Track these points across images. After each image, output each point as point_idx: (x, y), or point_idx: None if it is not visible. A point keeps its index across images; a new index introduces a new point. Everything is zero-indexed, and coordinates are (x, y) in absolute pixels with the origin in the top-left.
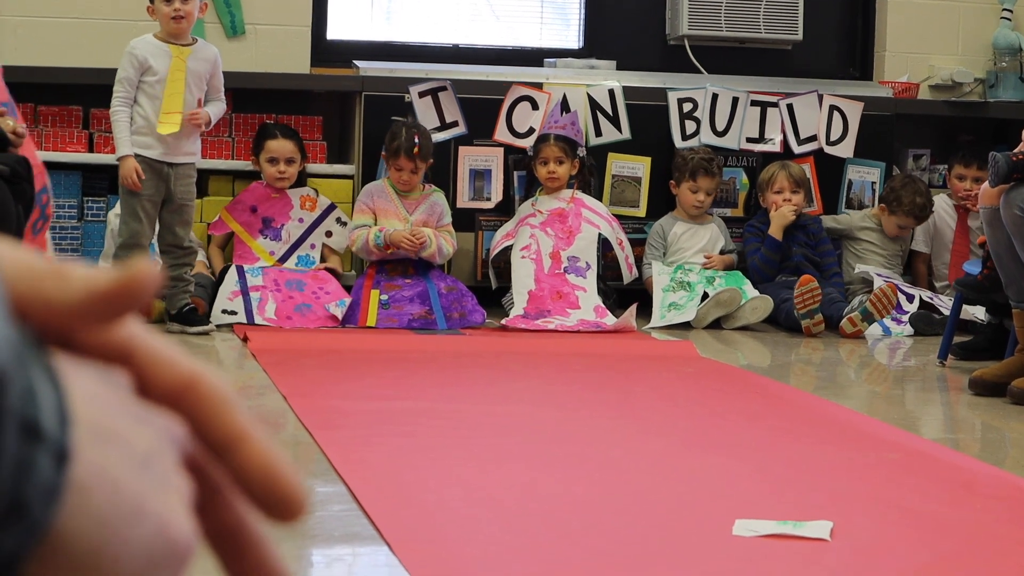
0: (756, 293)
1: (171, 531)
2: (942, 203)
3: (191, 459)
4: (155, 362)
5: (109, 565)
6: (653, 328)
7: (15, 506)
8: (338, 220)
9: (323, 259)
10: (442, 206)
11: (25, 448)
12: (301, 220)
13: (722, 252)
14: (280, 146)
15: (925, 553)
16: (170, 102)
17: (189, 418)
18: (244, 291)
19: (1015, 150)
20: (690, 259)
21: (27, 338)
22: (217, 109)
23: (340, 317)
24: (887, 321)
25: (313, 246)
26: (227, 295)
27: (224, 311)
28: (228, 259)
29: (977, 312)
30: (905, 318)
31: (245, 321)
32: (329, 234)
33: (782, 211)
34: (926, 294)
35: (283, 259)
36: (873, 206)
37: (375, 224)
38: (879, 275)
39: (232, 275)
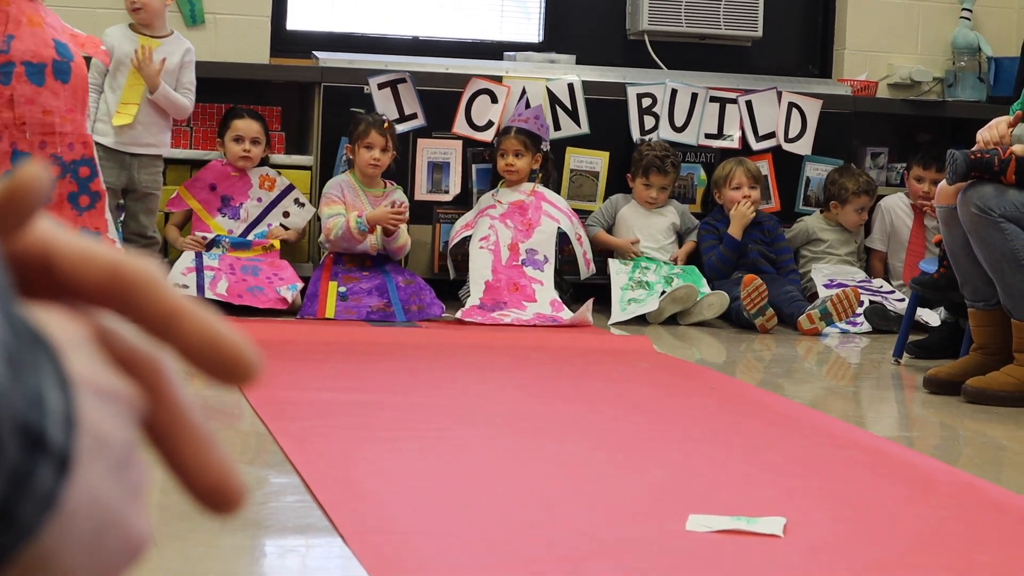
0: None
1: (132, 534)
2: (898, 201)
3: (124, 355)
4: (75, 260)
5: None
6: (613, 323)
7: (4, 514)
8: (296, 201)
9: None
10: (403, 202)
11: (26, 457)
12: (260, 200)
13: (685, 233)
14: (247, 125)
15: (878, 550)
16: (129, 93)
17: (121, 306)
18: (199, 268)
19: (972, 149)
20: (646, 245)
21: (38, 335)
22: (178, 99)
23: (290, 300)
24: (844, 324)
25: (270, 225)
26: (181, 270)
27: (176, 284)
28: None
29: (929, 317)
30: (860, 319)
31: (196, 294)
32: (287, 214)
33: (741, 210)
34: (886, 289)
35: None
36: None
37: (346, 212)
38: (831, 282)
39: (187, 256)
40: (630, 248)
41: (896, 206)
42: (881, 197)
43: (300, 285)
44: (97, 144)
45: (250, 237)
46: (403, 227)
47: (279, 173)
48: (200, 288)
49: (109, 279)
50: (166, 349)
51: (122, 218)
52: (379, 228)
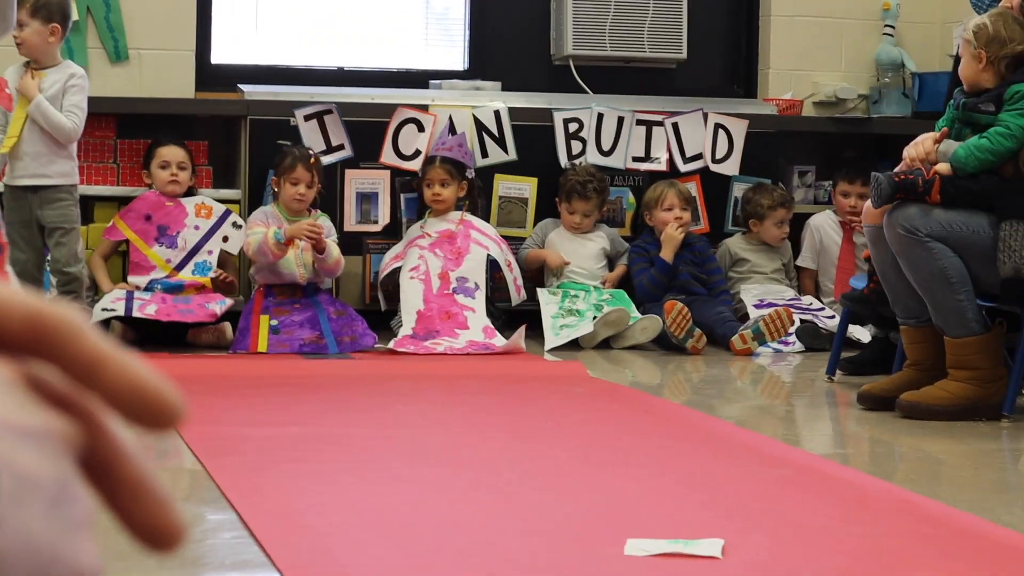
0: (644, 312)
1: (80, 569)
2: (827, 219)
3: (58, 397)
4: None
5: None
6: (550, 349)
7: None
8: (234, 224)
9: (220, 264)
10: (328, 227)
11: None
12: (197, 227)
13: (615, 257)
14: (171, 152)
15: (817, 568)
16: (13, 123)
17: (45, 353)
18: (128, 297)
19: (896, 168)
20: (576, 269)
21: None
22: (56, 117)
23: (219, 313)
24: (776, 343)
25: (211, 252)
26: (111, 299)
27: (104, 309)
28: (121, 271)
29: (861, 334)
30: (792, 339)
31: (124, 314)
32: (226, 239)
33: (670, 233)
34: (815, 307)
35: (180, 267)
36: (745, 230)
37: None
38: (761, 302)
39: (117, 293)
40: (562, 262)
41: (825, 224)
42: (809, 215)
43: (229, 301)
44: (6, 186)
45: (186, 271)
46: (333, 244)
47: (215, 201)
48: (128, 311)
49: (31, 326)
50: (91, 395)
51: (48, 256)
52: (310, 252)
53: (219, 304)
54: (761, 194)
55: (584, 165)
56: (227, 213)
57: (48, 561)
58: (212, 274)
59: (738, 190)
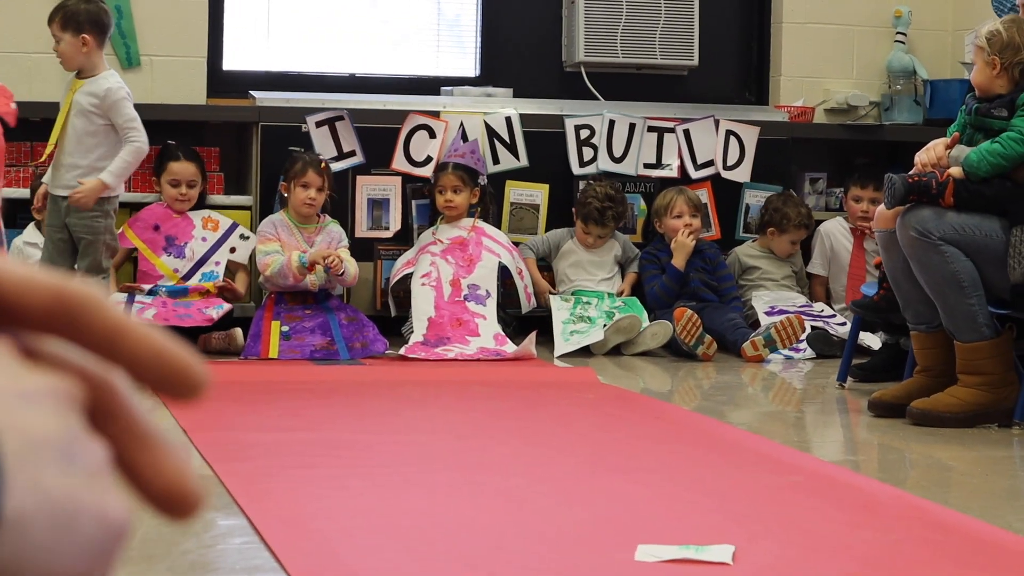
0: (656, 319)
1: (109, 516)
2: (838, 226)
3: (62, 362)
4: (18, 285)
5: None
6: (560, 356)
7: None
8: (241, 236)
9: (229, 273)
10: (338, 232)
11: None
12: (204, 239)
13: (626, 263)
14: (182, 168)
15: (827, 575)
16: (53, 133)
17: (67, 328)
18: (129, 301)
19: (910, 172)
20: (589, 279)
21: None
22: (125, 158)
23: (215, 318)
24: (787, 351)
25: (218, 263)
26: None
27: None
28: (132, 279)
29: (871, 341)
30: (803, 345)
31: None
32: (233, 250)
33: (681, 240)
34: (827, 314)
35: (187, 276)
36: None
37: (282, 251)
38: (772, 308)
39: (119, 296)
40: (548, 291)
41: (835, 230)
42: (820, 222)
43: (227, 306)
44: (47, 194)
45: (193, 280)
46: (347, 259)
47: (221, 214)
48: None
49: (54, 301)
50: (114, 366)
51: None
52: (321, 267)
53: (216, 309)
54: (788, 206)
55: (603, 184)
56: (234, 225)
57: (71, 514)
58: (218, 282)
59: (753, 197)
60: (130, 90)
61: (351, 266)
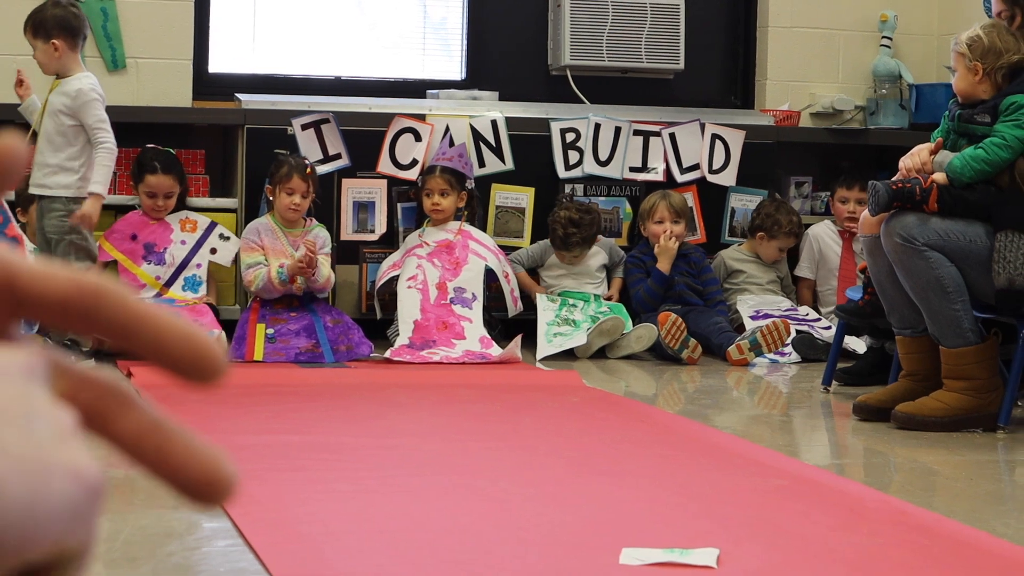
0: (640, 322)
1: (83, 474)
2: (825, 229)
3: (74, 382)
4: (37, 277)
5: (34, 542)
6: (541, 358)
7: None
8: (221, 236)
9: (210, 275)
10: (324, 237)
11: None
12: (184, 242)
13: (612, 267)
14: (159, 182)
15: None
16: (29, 134)
17: (88, 317)
18: None
19: (894, 178)
20: (577, 287)
21: None
22: (98, 168)
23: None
24: (772, 355)
25: (199, 265)
26: None
27: None
28: None
29: (857, 345)
30: (788, 349)
31: None
32: (214, 251)
33: (665, 244)
34: (812, 317)
35: (169, 282)
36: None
37: (266, 261)
38: (757, 312)
39: None
40: (536, 288)
41: (824, 234)
42: (808, 225)
43: (219, 332)
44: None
45: (176, 287)
46: (322, 263)
47: (199, 215)
48: None
49: (74, 292)
50: (137, 351)
51: None
52: (319, 224)
53: (210, 335)
54: (781, 213)
55: (570, 207)
56: (213, 225)
57: (42, 470)
58: (198, 299)
59: (738, 201)
60: (104, 93)
61: (324, 268)
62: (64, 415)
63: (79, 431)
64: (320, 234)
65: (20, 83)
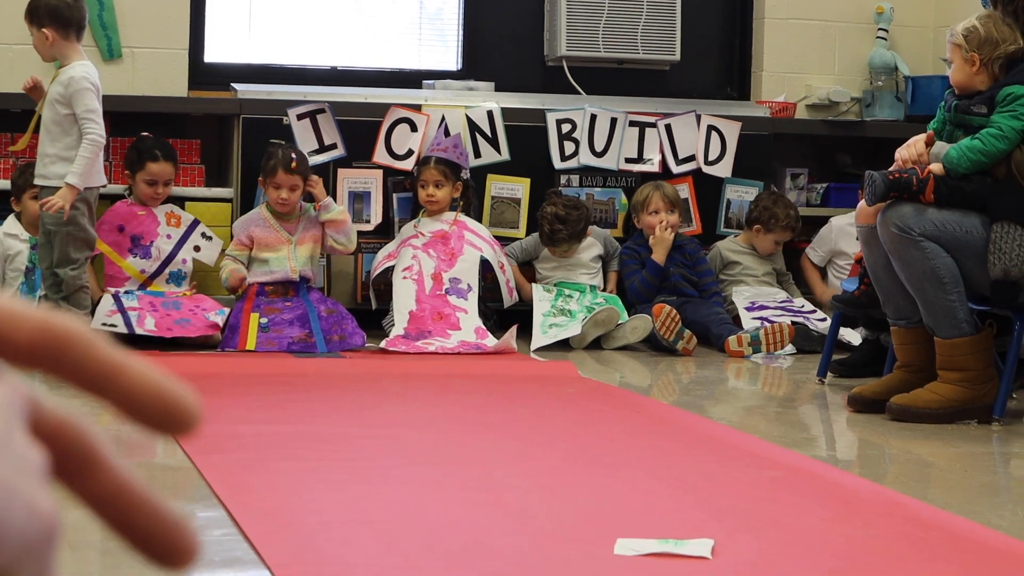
0: (635, 313)
1: (40, 510)
2: (846, 223)
3: (52, 427)
4: (6, 319)
5: None
6: (536, 349)
7: None
8: (203, 235)
9: (195, 275)
10: (316, 214)
11: None
12: (169, 236)
13: (608, 259)
14: (161, 169)
15: (806, 570)
16: (31, 123)
17: (56, 363)
18: (121, 310)
19: (890, 168)
20: (571, 283)
21: None
22: (83, 153)
23: (221, 323)
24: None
25: (185, 261)
26: (105, 312)
27: (103, 324)
28: (98, 281)
29: (852, 336)
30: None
31: (125, 331)
32: (197, 248)
33: (660, 235)
34: (807, 309)
35: (154, 276)
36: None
37: (248, 257)
38: (753, 304)
39: (107, 300)
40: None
41: (844, 228)
42: (827, 219)
43: (226, 311)
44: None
45: (159, 281)
46: (329, 201)
47: (183, 209)
48: (128, 326)
49: (38, 335)
50: (105, 403)
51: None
52: (307, 247)
53: (219, 314)
54: (779, 206)
55: (557, 203)
56: (195, 223)
57: (8, 495)
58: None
59: (734, 192)
60: (99, 83)
61: (333, 207)
62: (35, 454)
63: (45, 474)
64: (312, 213)
65: (33, 88)
